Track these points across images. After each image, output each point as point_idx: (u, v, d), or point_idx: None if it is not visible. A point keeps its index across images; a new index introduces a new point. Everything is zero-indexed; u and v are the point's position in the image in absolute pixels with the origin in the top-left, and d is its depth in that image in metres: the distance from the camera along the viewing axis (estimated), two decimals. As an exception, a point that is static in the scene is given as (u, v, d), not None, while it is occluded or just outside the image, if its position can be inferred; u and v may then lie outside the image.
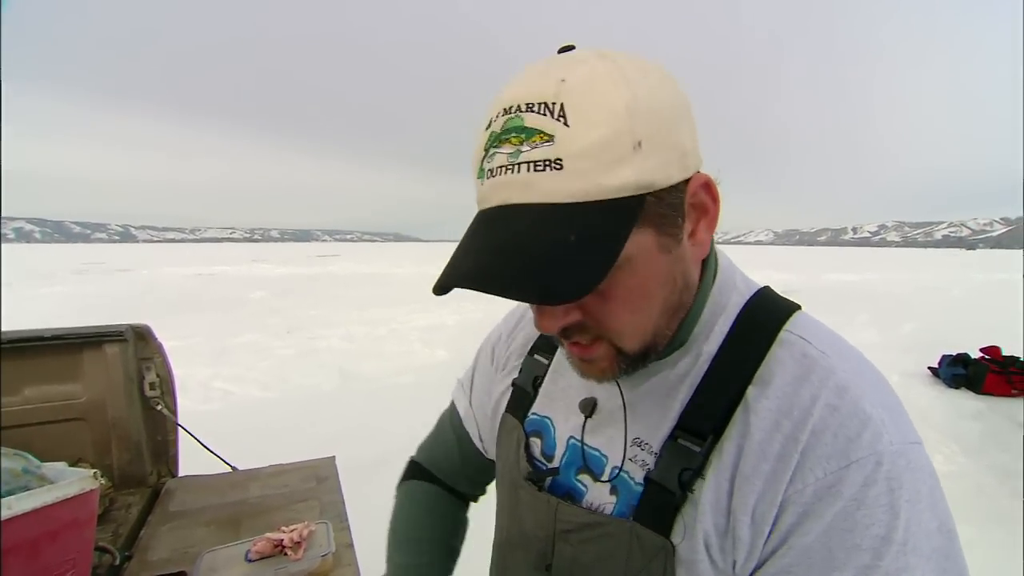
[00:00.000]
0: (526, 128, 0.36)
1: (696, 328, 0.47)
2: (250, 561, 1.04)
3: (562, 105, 0.35)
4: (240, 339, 7.11)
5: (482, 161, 0.39)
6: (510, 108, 0.37)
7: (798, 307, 0.48)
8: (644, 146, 0.36)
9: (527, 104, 0.36)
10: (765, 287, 0.50)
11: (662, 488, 0.44)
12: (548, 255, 0.35)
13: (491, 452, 0.68)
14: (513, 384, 0.62)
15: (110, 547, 1.14)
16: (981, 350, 5.13)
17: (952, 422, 4.06)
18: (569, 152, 0.35)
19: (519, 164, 0.36)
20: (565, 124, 0.35)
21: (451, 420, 0.75)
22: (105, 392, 1.47)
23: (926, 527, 0.37)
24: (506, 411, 0.62)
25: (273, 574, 1.00)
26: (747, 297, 0.48)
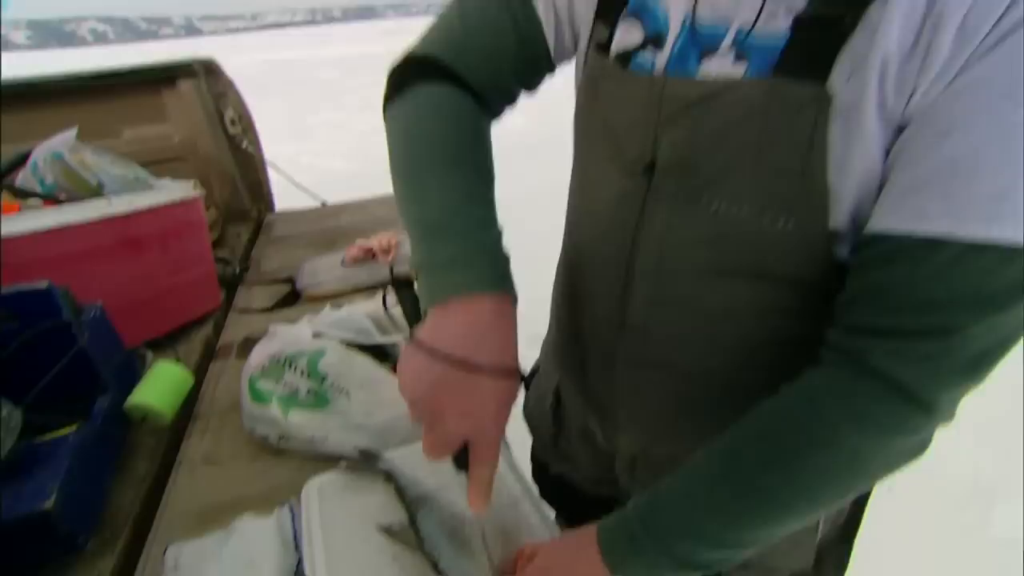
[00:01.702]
0: None
1: None
2: (345, 266, 1.14)
3: None
4: (318, 118, 7.19)
5: None
6: None
7: None
8: None
9: None
10: None
11: (821, 21, 0.35)
12: None
13: (559, 49, 0.55)
14: None
15: (230, 258, 1.29)
16: None
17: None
18: None
19: None
20: None
21: None
22: (192, 132, 1.52)
23: None
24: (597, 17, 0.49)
25: (367, 274, 1.10)
26: None
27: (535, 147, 4.28)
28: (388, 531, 0.53)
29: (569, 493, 0.74)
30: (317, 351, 0.73)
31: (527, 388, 0.82)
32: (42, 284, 0.67)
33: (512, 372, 0.43)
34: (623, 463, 0.61)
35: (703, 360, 0.48)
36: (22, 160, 0.99)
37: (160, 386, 0.78)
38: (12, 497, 0.58)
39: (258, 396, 0.71)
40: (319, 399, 0.70)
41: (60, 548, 0.61)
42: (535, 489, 0.62)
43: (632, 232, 0.48)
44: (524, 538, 0.51)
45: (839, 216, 0.38)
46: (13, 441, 0.61)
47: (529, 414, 0.80)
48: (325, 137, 6.01)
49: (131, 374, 0.81)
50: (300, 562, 0.56)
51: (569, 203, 0.61)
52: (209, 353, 1.00)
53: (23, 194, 0.89)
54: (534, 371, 0.81)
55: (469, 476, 0.45)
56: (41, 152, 0.95)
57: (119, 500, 0.71)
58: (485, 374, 0.40)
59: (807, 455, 0.37)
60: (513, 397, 0.44)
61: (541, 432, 0.77)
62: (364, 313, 0.83)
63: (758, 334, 0.45)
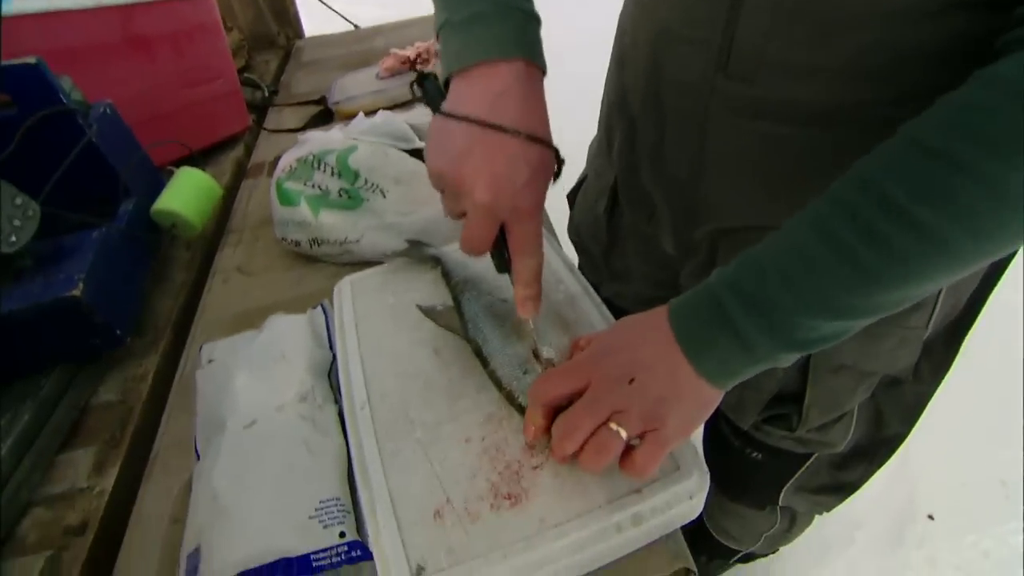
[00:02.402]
0: None
1: None
2: (381, 79, 1.01)
3: None
4: (350, -37, 6.56)
5: None
6: None
7: None
8: None
9: None
10: None
11: None
12: None
13: None
14: None
15: (258, 80, 1.18)
16: None
17: None
18: None
19: None
20: None
21: None
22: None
23: None
24: None
25: (405, 87, 0.97)
26: None
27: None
28: (430, 312, 0.47)
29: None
30: (348, 147, 0.63)
31: (571, 202, 0.72)
32: (30, 59, 0.59)
33: (542, 140, 0.37)
34: (695, 264, 0.51)
35: (831, 94, 0.36)
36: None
37: (187, 192, 0.72)
38: (43, 286, 0.56)
39: (286, 198, 0.64)
40: (352, 198, 0.62)
41: (101, 340, 0.59)
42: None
43: None
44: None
45: None
46: (34, 231, 0.57)
47: (576, 229, 0.71)
48: (359, -17, 5.51)
49: (156, 181, 0.75)
50: (334, 360, 0.52)
51: None
52: (240, 173, 0.94)
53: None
54: (579, 183, 0.70)
55: (513, 274, 0.40)
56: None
57: (159, 307, 0.70)
58: (510, 135, 0.36)
59: (991, 170, 0.25)
60: (547, 169, 0.39)
61: (590, 247, 0.68)
62: (403, 119, 0.72)
63: (909, 43, 0.32)
